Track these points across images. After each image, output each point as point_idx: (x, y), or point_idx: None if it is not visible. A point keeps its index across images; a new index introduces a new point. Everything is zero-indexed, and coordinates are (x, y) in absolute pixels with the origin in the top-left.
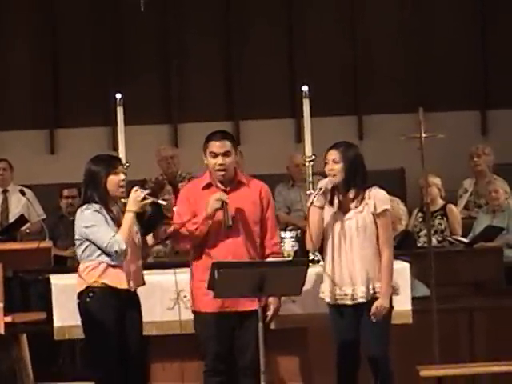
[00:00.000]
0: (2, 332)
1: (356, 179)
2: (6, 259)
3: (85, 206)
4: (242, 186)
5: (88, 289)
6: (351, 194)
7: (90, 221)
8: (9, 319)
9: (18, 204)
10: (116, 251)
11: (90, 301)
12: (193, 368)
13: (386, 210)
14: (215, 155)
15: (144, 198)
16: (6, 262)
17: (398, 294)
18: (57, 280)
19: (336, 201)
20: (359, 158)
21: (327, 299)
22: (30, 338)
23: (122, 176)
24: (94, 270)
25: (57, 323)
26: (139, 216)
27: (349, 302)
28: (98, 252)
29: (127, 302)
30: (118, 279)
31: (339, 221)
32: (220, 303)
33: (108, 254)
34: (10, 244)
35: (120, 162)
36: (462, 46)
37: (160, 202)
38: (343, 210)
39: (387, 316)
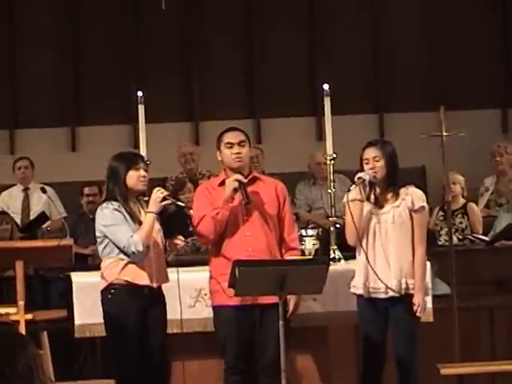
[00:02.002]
0: (23, 330)
1: (395, 175)
2: (26, 257)
3: (104, 204)
4: (258, 181)
5: (110, 286)
6: (389, 190)
7: (109, 219)
8: (29, 317)
9: (39, 202)
10: (133, 252)
11: (112, 298)
12: (213, 366)
13: (423, 207)
14: (231, 145)
15: (164, 199)
16: (26, 259)
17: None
18: (78, 278)
19: (372, 197)
20: (396, 154)
21: (360, 292)
22: (50, 336)
23: (142, 172)
24: (115, 267)
25: (77, 321)
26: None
27: (382, 296)
28: (118, 250)
29: (150, 299)
30: (139, 276)
31: (375, 215)
32: (239, 297)
33: (126, 254)
34: (30, 242)
35: (142, 158)
36: (484, 45)
37: (179, 203)
38: (379, 205)
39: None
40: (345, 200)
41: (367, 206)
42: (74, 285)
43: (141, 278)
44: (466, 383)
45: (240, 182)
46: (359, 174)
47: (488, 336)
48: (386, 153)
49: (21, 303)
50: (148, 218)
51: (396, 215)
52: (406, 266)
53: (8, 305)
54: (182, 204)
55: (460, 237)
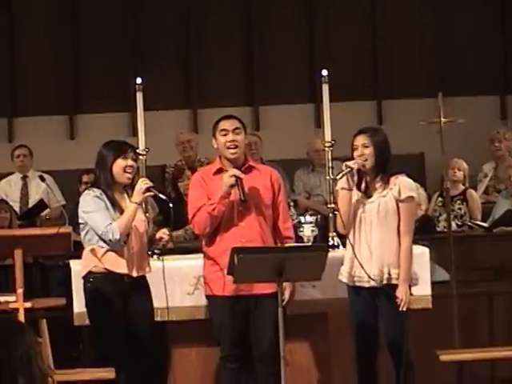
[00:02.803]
0: (22, 318)
1: (385, 164)
2: (25, 245)
3: (86, 191)
4: (253, 170)
5: (89, 273)
6: (378, 179)
7: (89, 206)
8: (29, 305)
9: (38, 190)
10: (110, 239)
11: (91, 285)
12: (213, 353)
13: (410, 197)
14: (226, 132)
15: (147, 190)
16: (25, 247)
17: (416, 284)
18: (77, 265)
19: (363, 185)
20: (387, 143)
21: (345, 280)
22: (49, 324)
23: (129, 162)
24: (94, 255)
25: (76, 309)
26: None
27: (365, 285)
28: (98, 237)
29: (130, 288)
30: (118, 264)
31: (362, 204)
32: (234, 287)
33: (104, 241)
34: (29, 230)
35: (132, 148)
36: (482, 31)
37: (162, 196)
38: (368, 194)
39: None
40: (337, 187)
41: (355, 195)
42: (72, 273)
43: (120, 266)
44: (466, 369)
45: (237, 177)
46: (347, 162)
47: (487, 322)
48: (375, 140)
49: (20, 291)
50: (129, 207)
51: (381, 205)
52: (389, 256)
53: (7, 293)
54: (164, 197)
55: (459, 223)
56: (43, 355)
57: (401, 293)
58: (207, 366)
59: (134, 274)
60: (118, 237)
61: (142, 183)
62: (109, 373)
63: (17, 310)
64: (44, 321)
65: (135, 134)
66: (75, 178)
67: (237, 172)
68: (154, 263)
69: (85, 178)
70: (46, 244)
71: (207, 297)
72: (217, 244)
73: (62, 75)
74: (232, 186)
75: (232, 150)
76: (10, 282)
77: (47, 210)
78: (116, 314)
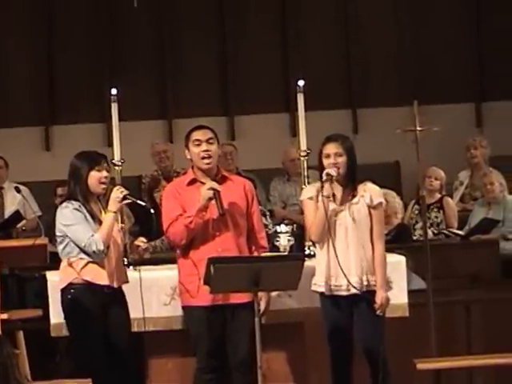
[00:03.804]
0: None
1: (355, 171)
2: (2, 256)
3: (64, 204)
4: (227, 180)
5: (69, 286)
6: (348, 187)
7: (68, 219)
8: (5, 316)
9: (14, 201)
10: (94, 251)
11: (72, 297)
12: (189, 363)
13: (380, 203)
14: (199, 142)
15: (124, 198)
16: (1, 259)
17: (391, 287)
18: (53, 277)
19: (331, 193)
20: (354, 150)
21: (321, 290)
22: (26, 335)
23: (104, 173)
24: (74, 267)
25: (53, 320)
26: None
27: (343, 293)
28: (78, 249)
29: (110, 299)
30: (98, 276)
31: (335, 212)
32: (211, 297)
33: (87, 253)
34: (5, 241)
35: (105, 159)
36: (457, 39)
37: (140, 202)
38: (338, 202)
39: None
40: (303, 197)
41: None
42: (49, 284)
43: (101, 277)
44: (443, 378)
45: (215, 190)
46: (327, 170)
47: (464, 330)
48: (347, 148)
49: None
50: (108, 217)
51: (355, 212)
52: (367, 263)
53: None
54: (143, 203)
55: (435, 231)
56: (20, 366)
57: (380, 298)
58: (184, 376)
59: (115, 284)
60: (101, 247)
61: (118, 191)
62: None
63: None
64: (21, 332)
65: (110, 144)
66: (51, 189)
67: (215, 185)
68: (131, 274)
69: (59, 191)
70: (23, 255)
71: (183, 307)
72: (192, 254)
73: (37, 86)
74: (210, 199)
75: (206, 161)
76: None
77: (23, 222)
78: (96, 325)
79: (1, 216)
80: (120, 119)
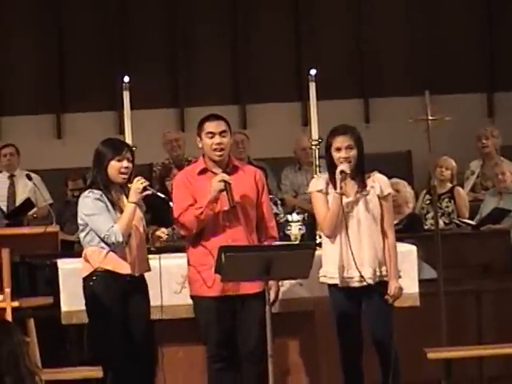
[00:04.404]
0: (10, 317)
1: (364, 163)
2: (13, 244)
3: (86, 193)
4: (237, 170)
5: (91, 274)
6: (357, 178)
7: (90, 209)
8: (16, 304)
9: (25, 189)
10: (113, 242)
11: (93, 285)
12: (200, 352)
13: (390, 193)
14: (212, 135)
15: (144, 189)
16: (13, 246)
17: (400, 277)
18: (64, 265)
19: (345, 189)
20: (362, 141)
21: (333, 281)
22: (37, 323)
23: (125, 163)
24: (96, 256)
25: (64, 308)
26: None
27: (356, 285)
28: (98, 238)
29: (131, 288)
30: (120, 265)
31: (346, 205)
32: (220, 287)
33: (106, 243)
34: (16, 229)
35: (128, 148)
36: (469, 28)
37: (160, 194)
38: (349, 194)
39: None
40: (311, 189)
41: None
42: (60, 271)
43: (122, 267)
44: (453, 367)
45: (226, 182)
46: (341, 168)
47: (475, 320)
48: (356, 140)
49: (7, 290)
50: (128, 208)
51: (367, 203)
52: (380, 254)
53: None
54: (163, 195)
55: (446, 221)
56: (30, 354)
57: (393, 288)
58: (195, 364)
59: (137, 273)
60: (120, 239)
61: (139, 183)
62: (96, 372)
63: (4, 309)
64: (32, 320)
65: (122, 132)
66: (62, 177)
67: (226, 177)
68: (150, 262)
69: (70, 185)
70: (34, 243)
71: (192, 297)
72: (202, 244)
73: (48, 74)
74: (221, 191)
75: (218, 153)
76: None
77: (34, 209)
78: (116, 314)
79: (12, 203)
80: (131, 107)
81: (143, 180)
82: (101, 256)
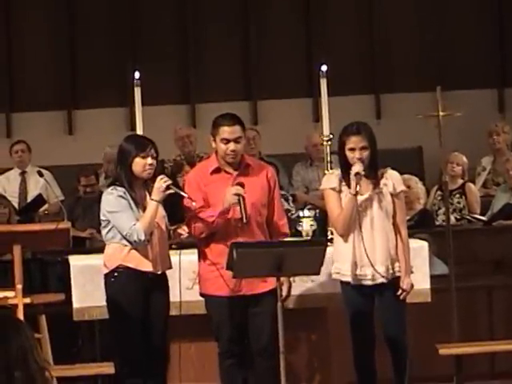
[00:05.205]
0: (21, 314)
1: (377, 160)
2: (24, 240)
3: (110, 189)
4: (250, 168)
5: (113, 271)
6: (371, 175)
7: (113, 206)
8: (28, 300)
9: (37, 185)
10: (135, 240)
11: (115, 282)
12: (211, 348)
13: (402, 190)
14: (227, 141)
15: (167, 188)
16: (24, 243)
17: (412, 272)
18: (75, 261)
19: (360, 188)
20: (375, 139)
21: (346, 279)
22: (49, 320)
23: (149, 160)
24: (118, 253)
25: (76, 304)
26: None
27: (369, 283)
28: (120, 235)
29: (153, 285)
30: (142, 262)
31: (360, 202)
32: (232, 287)
33: (129, 241)
34: (28, 225)
35: (152, 145)
36: (479, 24)
37: (182, 193)
38: (362, 192)
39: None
40: (324, 187)
41: (344, 193)
42: (71, 268)
43: (144, 264)
44: (465, 363)
45: (239, 195)
46: (356, 169)
47: (486, 315)
48: (370, 139)
49: (19, 287)
50: (150, 206)
51: (380, 200)
52: (393, 251)
53: (6, 288)
54: (186, 194)
55: (458, 217)
56: (42, 351)
57: (406, 284)
58: (207, 360)
59: (159, 271)
60: (142, 237)
61: (162, 181)
62: (107, 368)
63: (16, 305)
64: (43, 316)
65: (133, 128)
66: (74, 174)
67: (240, 190)
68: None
69: (83, 181)
70: (45, 240)
71: (203, 295)
72: (214, 244)
73: (59, 71)
74: (234, 204)
75: (231, 158)
76: (8, 278)
77: (46, 206)
78: (136, 311)
79: (24, 200)
80: (142, 104)
81: (166, 178)
82: (123, 253)
